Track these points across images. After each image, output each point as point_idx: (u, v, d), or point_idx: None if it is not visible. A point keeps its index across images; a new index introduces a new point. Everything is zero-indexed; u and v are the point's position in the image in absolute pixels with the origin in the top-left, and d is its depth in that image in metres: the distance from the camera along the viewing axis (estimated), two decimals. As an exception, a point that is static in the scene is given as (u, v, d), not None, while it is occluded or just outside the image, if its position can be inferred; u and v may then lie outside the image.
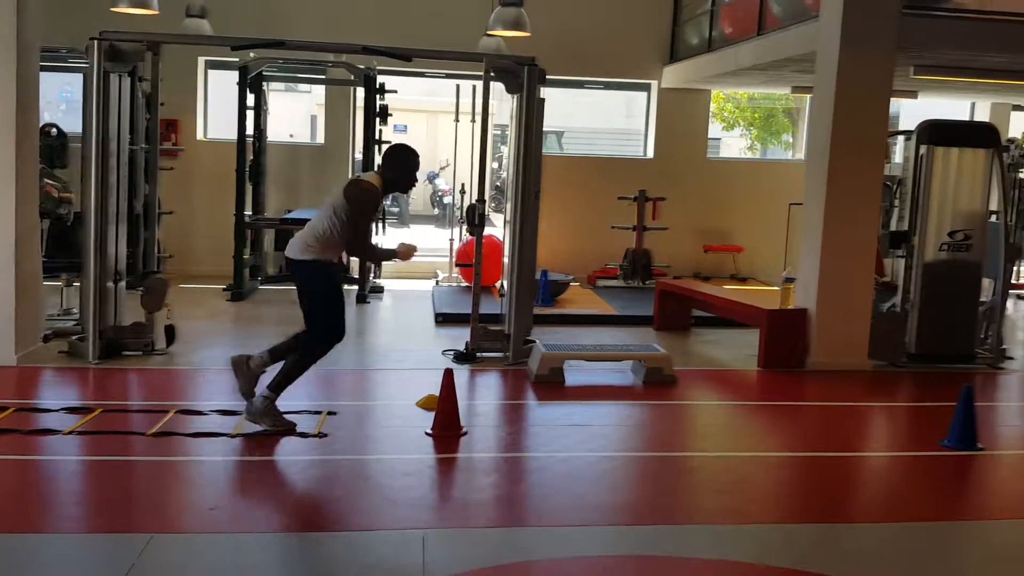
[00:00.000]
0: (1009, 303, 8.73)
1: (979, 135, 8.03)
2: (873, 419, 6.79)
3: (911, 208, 7.99)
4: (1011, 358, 8.29)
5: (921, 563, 4.16)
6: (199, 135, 11.78)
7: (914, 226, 7.92)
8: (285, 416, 5.48)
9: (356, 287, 10.22)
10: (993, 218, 8.16)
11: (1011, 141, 11.49)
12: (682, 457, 5.63)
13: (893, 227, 8.63)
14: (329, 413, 5.82)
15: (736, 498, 4.86)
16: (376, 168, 5.86)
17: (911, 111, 13.29)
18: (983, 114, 13.24)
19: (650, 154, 12.78)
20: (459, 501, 4.80)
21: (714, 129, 15.08)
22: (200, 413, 5.73)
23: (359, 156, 11.14)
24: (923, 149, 7.85)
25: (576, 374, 7.09)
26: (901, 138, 10.76)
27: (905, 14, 7.65)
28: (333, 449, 5.25)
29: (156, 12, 8.54)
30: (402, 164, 5.50)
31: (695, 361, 8.00)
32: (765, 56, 9.46)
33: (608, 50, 12.18)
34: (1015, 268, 9.62)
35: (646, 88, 12.75)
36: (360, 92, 10.70)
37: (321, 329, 5.43)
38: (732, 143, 15.81)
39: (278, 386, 5.40)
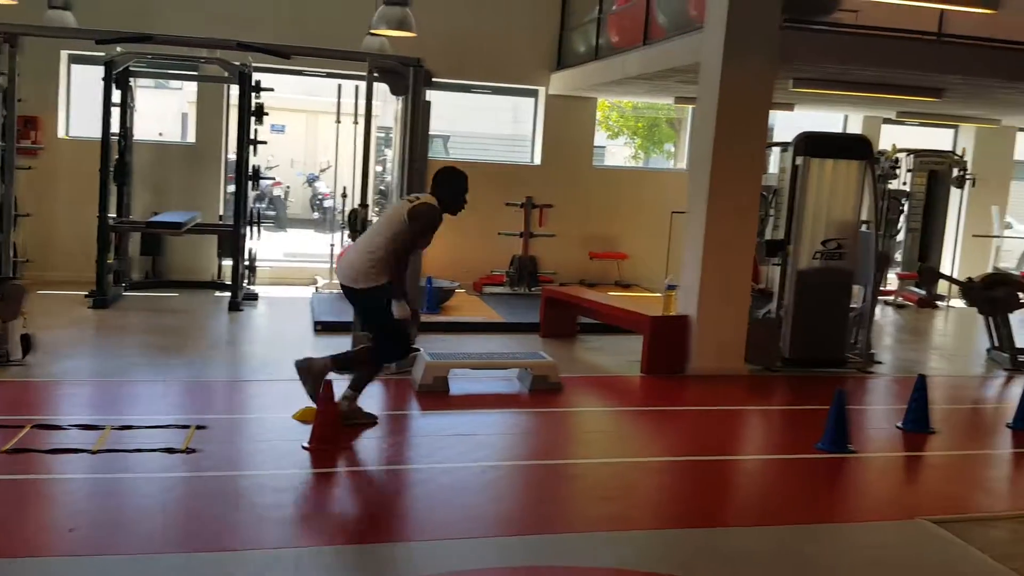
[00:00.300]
0: (877, 309, 9.07)
1: (853, 147, 8.32)
2: (751, 423, 6.93)
3: (787, 217, 8.22)
4: (879, 362, 8.62)
5: (797, 567, 4.21)
6: (61, 133, 11.11)
7: (789, 235, 8.14)
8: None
9: (228, 294, 9.83)
10: (864, 227, 8.47)
11: (881, 153, 12.01)
12: (567, 465, 5.59)
13: (769, 236, 8.87)
14: (198, 427, 5.52)
15: (620, 505, 4.85)
16: (428, 190, 6.05)
17: (784, 123, 13.76)
18: (856, 127, 13.82)
19: (537, 161, 12.79)
20: (337, 517, 4.62)
21: (600, 137, 15.24)
22: (59, 428, 5.35)
23: (232, 156, 10.73)
24: (799, 160, 8.08)
25: (461, 383, 6.97)
26: (776, 149, 11.11)
27: (785, 28, 7.86)
28: (203, 465, 4.98)
29: (15, 2, 8.00)
30: (457, 185, 5.87)
31: (581, 368, 8.01)
32: (651, 66, 9.58)
33: (496, 55, 12.14)
34: (883, 276, 10.02)
35: (533, 94, 12.77)
36: (235, 90, 10.31)
37: (392, 344, 5.85)
38: (617, 151, 16.05)
39: (358, 385, 5.81)
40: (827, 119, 14.08)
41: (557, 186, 12.36)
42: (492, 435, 6.04)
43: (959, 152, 13.48)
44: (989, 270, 12.71)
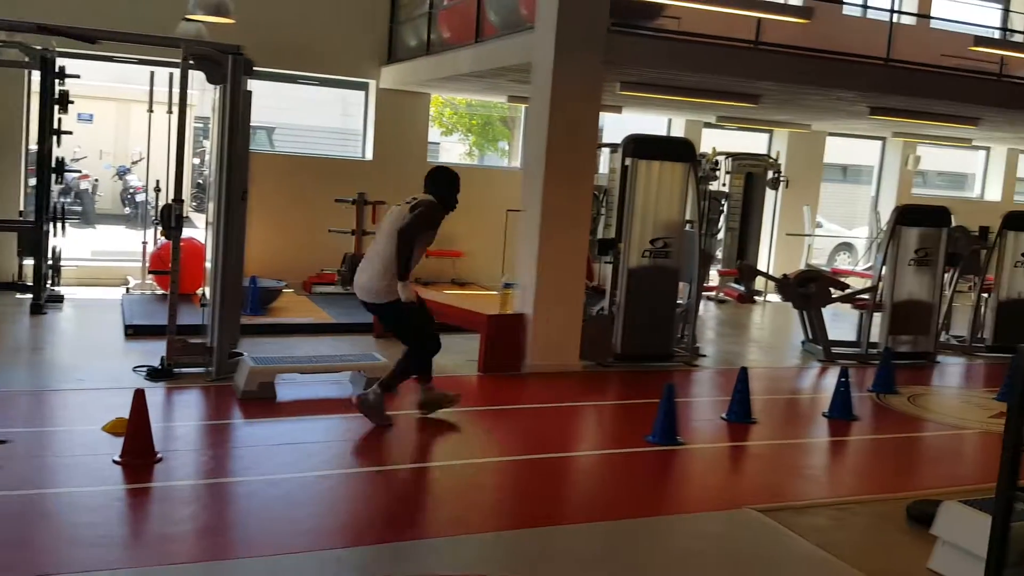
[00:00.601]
0: (701, 305, 9.39)
1: (678, 150, 8.55)
2: (585, 419, 6.99)
3: (617, 217, 8.36)
4: (704, 356, 8.94)
5: (630, 561, 4.23)
6: None
7: (620, 233, 8.28)
8: None
9: (30, 295, 9.04)
10: (688, 227, 8.74)
11: (703, 156, 12.49)
12: (403, 469, 5.43)
13: (601, 234, 9.01)
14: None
15: (458, 508, 4.76)
16: (424, 190, 6.27)
17: (613, 125, 14.08)
18: (679, 130, 14.33)
19: (369, 155, 12.51)
20: (155, 536, 4.26)
21: (434, 134, 15.11)
22: None
23: (34, 147, 9.87)
24: (628, 161, 8.23)
25: (289, 388, 6.66)
26: (607, 150, 11.34)
27: (613, 31, 7.99)
28: (5, 484, 4.51)
29: None
30: (452, 184, 6.22)
31: (415, 368, 7.84)
32: (483, 64, 9.53)
33: (323, 45, 11.76)
34: (706, 273, 10.40)
35: (363, 87, 12.47)
36: (36, 76, 9.48)
37: (421, 343, 6.06)
38: (451, 148, 15.95)
39: (390, 383, 6.00)
40: (653, 122, 14.52)
41: (390, 182, 12.08)
42: (323, 443, 5.78)
43: (774, 155, 14.24)
44: (802, 267, 13.49)
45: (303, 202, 11.74)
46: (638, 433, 6.15)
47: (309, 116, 13.06)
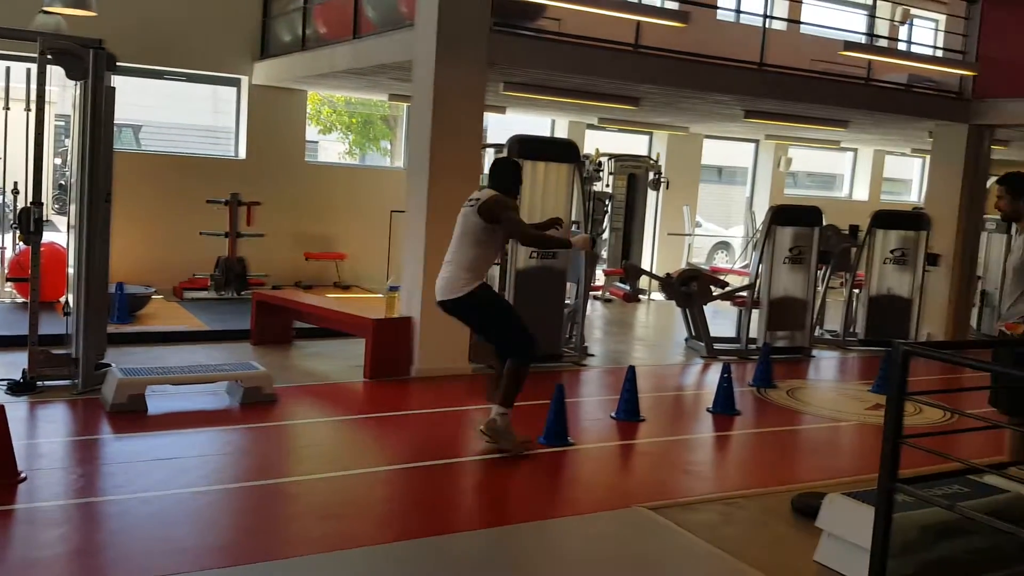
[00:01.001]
0: (588, 305, 9.45)
1: (562, 150, 8.56)
2: (474, 422, 6.85)
3: (504, 216, 8.28)
4: (592, 355, 8.98)
5: (521, 565, 4.17)
6: None
7: (507, 234, 8.21)
8: None
9: None
10: (574, 227, 8.76)
11: (586, 157, 12.60)
12: (285, 483, 5.19)
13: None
14: None
15: (344, 521, 4.58)
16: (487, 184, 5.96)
17: (497, 125, 14.06)
18: (562, 131, 14.42)
19: (242, 154, 12.08)
20: (20, 561, 3.93)
21: (312, 132, 14.74)
22: None
23: None
24: (514, 160, 8.17)
25: (161, 400, 6.32)
26: (491, 150, 11.28)
27: (495, 31, 7.93)
28: None
29: None
30: (509, 172, 5.86)
31: (298, 376, 7.58)
32: (361, 61, 9.32)
33: (190, 39, 11.29)
34: (592, 273, 10.47)
35: (235, 83, 12.03)
36: None
37: (515, 343, 5.74)
38: (331, 147, 15.58)
39: (507, 398, 5.66)
40: (537, 123, 14.58)
41: (266, 182, 11.73)
42: (199, 457, 5.48)
43: (654, 157, 14.51)
44: (683, 266, 13.78)
45: (172, 203, 11.24)
46: (529, 435, 6.09)
47: (177, 113, 12.49)
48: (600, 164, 12.98)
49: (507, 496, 5.17)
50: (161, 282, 10.57)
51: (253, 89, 11.88)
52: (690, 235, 15.43)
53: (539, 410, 6.30)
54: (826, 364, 9.76)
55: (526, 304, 8.19)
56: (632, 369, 6.84)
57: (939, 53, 11.89)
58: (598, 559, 4.32)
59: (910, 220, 10.66)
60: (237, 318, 9.33)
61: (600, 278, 13.20)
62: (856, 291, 10.65)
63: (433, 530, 4.55)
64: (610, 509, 4.91)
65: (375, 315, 7.83)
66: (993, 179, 11.88)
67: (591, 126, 14.44)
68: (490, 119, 13.58)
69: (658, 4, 11.98)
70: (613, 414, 6.80)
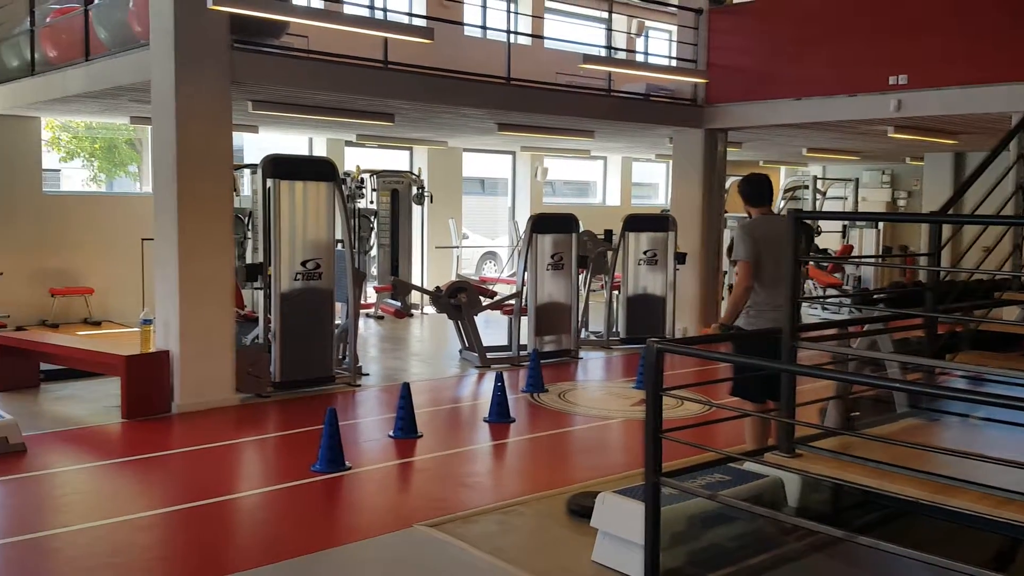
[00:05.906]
0: (360, 323, 9.34)
1: (319, 169, 8.41)
2: (244, 456, 6.62)
3: (264, 240, 8.06)
4: (367, 374, 8.89)
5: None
6: None
7: (268, 257, 7.98)
8: None
9: None
10: (339, 246, 8.65)
11: (347, 174, 12.47)
12: (43, 537, 4.75)
13: (249, 259, 8.63)
14: None
15: (111, 572, 4.27)
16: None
17: (253, 145, 13.62)
18: (321, 149, 14.19)
19: (-31, 190, 10.95)
20: None
21: (52, 160, 13.62)
22: None
23: None
24: (269, 182, 7.96)
25: None
26: (248, 171, 10.92)
27: (236, 49, 7.69)
28: None
29: None
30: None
31: (48, 422, 6.99)
32: (95, 84, 8.74)
33: None
34: (362, 291, 10.37)
35: (-46, 113, 10.91)
36: None
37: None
38: (74, 175, 14.45)
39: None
40: (294, 141, 14.26)
41: (0, 217, 10.71)
42: (-72, 527, 4.90)
43: (416, 172, 14.61)
44: (453, 278, 13.95)
45: None
46: (303, 463, 5.94)
47: None
48: (362, 181, 12.90)
49: (284, 529, 4.99)
50: None
51: (-23, 117, 10.82)
52: (458, 247, 15.66)
53: (313, 436, 6.15)
54: (593, 364, 10.21)
55: (292, 328, 8.02)
56: (407, 386, 6.84)
57: (674, 63, 12.74)
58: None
59: (658, 222, 11.35)
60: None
61: (371, 296, 13.11)
62: (615, 292, 11.22)
63: (211, 573, 4.35)
64: (391, 531, 4.87)
65: (128, 351, 7.34)
66: (732, 179, 12.98)
67: (350, 143, 14.33)
68: (244, 139, 13.15)
69: (406, 21, 12.08)
70: (391, 433, 6.76)
